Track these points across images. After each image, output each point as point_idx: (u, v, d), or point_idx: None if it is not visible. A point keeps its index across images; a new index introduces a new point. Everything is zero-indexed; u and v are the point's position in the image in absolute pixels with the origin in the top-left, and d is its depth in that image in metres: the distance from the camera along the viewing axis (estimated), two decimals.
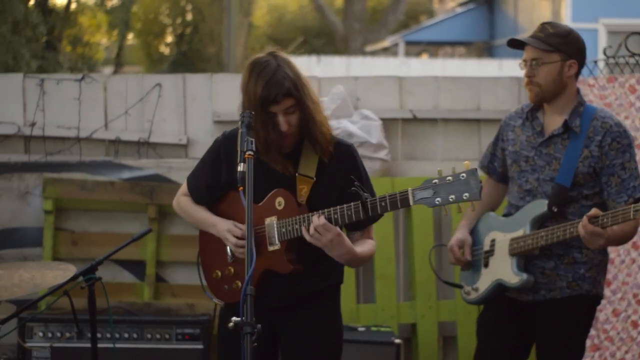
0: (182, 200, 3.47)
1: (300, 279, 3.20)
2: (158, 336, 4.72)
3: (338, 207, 3.03)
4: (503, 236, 3.81)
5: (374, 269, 5.15)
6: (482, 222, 3.98)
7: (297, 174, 3.17)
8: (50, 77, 5.36)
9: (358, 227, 3.22)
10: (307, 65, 21.22)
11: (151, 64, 26.68)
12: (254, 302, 3.02)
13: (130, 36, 30.32)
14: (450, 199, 2.83)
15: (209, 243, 3.38)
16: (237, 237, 3.18)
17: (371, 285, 5.23)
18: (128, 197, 5.09)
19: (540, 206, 3.69)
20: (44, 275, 3.43)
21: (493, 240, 3.87)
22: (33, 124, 5.26)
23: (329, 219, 3.00)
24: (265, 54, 3.19)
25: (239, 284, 3.23)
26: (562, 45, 3.64)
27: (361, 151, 4.94)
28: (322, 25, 28.03)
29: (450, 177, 2.85)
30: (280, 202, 3.16)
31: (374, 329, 4.78)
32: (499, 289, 3.80)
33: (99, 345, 4.11)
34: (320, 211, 3.04)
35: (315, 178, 3.16)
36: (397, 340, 4.56)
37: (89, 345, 3.91)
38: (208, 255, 3.41)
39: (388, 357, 4.53)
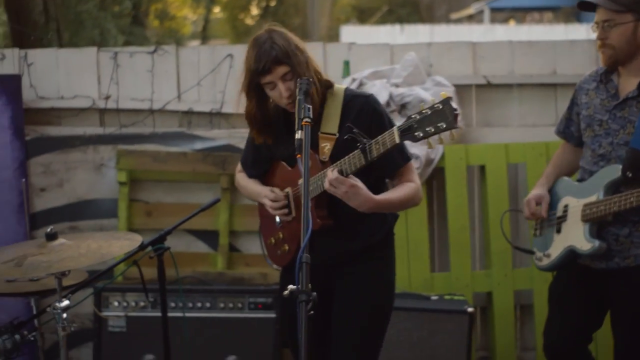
0: (238, 177, 3.67)
1: (342, 237, 3.28)
2: (231, 305, 4.74)
3: (344, 158, 3.07)
4: (576, 202, 3.71)
5: (449, 237, 5.07)
6: (557, 187, 3.92)
7: (319, 133, 3.22)
8: (124, 50, 5.40)
9: (389, 173, 3.30)
10: (391, 34, 21.10)
11: (237, 37, 26.84)
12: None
13: (217, 10, 30.60)
14: (429, 131, 2.80)
15: (264, 213, 3.52)
16: (271, 200, 3.34)
17: (445, 253, 5.16)
18: (201, 168, 5.11)
19: (614, 171, 3.57)
20: (111, 245, 3.47)
21: (566, 206, 3.78)
22: (107, 97, 5.31)
23: (340, 172, 3.04)
24: (263, 30, 3.28)
25: (286, 247, 3.39)
26: (634, 5, 3.50)
27: None
28: None
29: (427, 109, 2.82)
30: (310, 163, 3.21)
31: (447, 297, 4.71)
32: (571, 256, 3.70)
33: (172, 314, 4.21)
34: (333, 165, 3.11)
35: (337, 134, 3.21)
36: (470, 309, 4.47)
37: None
38: (264, 224, 3.56)
39: (461, 326, 4.46)
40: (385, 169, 3.27)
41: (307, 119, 2.94)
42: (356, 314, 3.32)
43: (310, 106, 2.99)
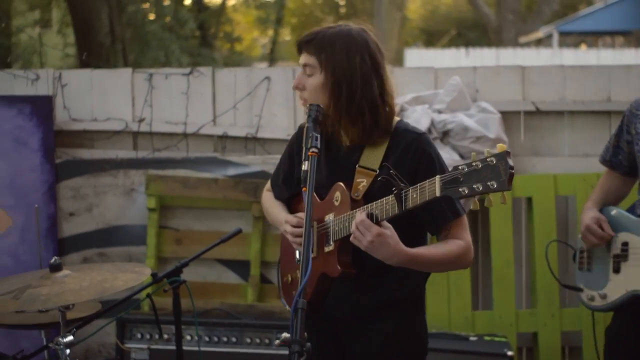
0: (264, 197, 3.30)
1: (363, 287, 2.87)
2: (258, 340, 4.50)
3: (377, 201, 2.65)
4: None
5: (492, 272, 4.77)
6: (610, 218, 3.55)
7: (357, 166, 2.84)
8: (159, 71, 5.25)
9: (432, 227, 2.84)
10: (455, 58, 20.75)
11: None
12: (317, 309, 2.87)
13: (286, 32, 30.64)
14: (476, 189, 2.34)
15: (285, 246, 3.15)
16: (293, 226, 2.92)
17: (489, 290, 4.85)
18: (232, 195, 4.90)
19: None
20: (116, 278, 3.26)
21: (626, 243, 3.44)
22: (141, 120, 5.16)
23: (370, 215, 2.62)
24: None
25: None
26: None
27: (477, 146, 4.63)
28: (475, 17, 27.33)
29: (478, 162, 2.34)
30: (337, 198, 2.84)
31: (487, 338, 4.41)
32: (635, 301, 3.36)
33: (201, 348, 4.01)
34: (364, 207, 2.70)
35: (377, 170, 2.78)
36: (510, 353, 4.17)
37: (186, 347, 3.82)
38: (284, 259, 3.18)
39: None
40: (428, 222, 2.82)
41: (314, 149, 2.66)
42: None
43: (319, 135, 2.71)
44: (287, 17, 26.10)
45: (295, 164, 3.06)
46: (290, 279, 3.07)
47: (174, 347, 4.42)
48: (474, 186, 2.34)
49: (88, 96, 5.21)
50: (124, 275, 3.32)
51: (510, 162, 2.30)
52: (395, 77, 4.85)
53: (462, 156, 4.71)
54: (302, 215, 2.95)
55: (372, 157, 2.82)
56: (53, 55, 19.35)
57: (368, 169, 2.80)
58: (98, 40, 15.23)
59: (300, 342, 2.33)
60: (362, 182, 2.80)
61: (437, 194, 2.44)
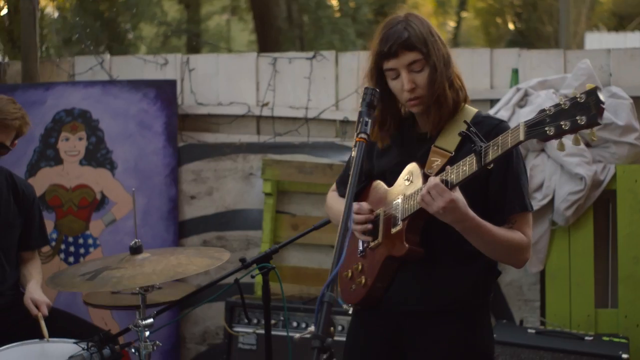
0: (328, 197, 3.20)
1: (434, 281, 2.72)
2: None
3: (453, 166, 2.53)
4: None
5: (618, 268, 4.43)
6: None
7: (433, 146, 2.72)
8: (283, 55, 5.23)
9: (499, 216, 2.67)
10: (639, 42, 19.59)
11: (489, 44, 26.14)
12: (378, 302, 2.78)
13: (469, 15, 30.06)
14: (563, 127, 2.21)
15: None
16: (355, 213, 2.81)
17: (614, 287, 4.51)
18: None
19: None
20: (191, 262, 3.26)
21: None
22: (265, 104, 5.16)
23: (443, 182, 2.50)
24: (401, 13, 2.77)
25: (363, 280, 2.83)
26: None
27: (606, 134, 4.31)
28: None
29: (566, 102, 2.22)
30: (409, 177, 2.73)
31: (605, 338, 4.11)
32: None
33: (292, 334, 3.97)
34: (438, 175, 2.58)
35: (453, 152, 2.67)
36: (625, 356, 3.85)
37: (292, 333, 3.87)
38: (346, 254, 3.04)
39: None
40: (494, 211, 2.69)
41: (362, 135, 2.53)
42: None
43: (369, 120, 2.57)
44: (472, 1, 25.55)
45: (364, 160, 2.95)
46: (350, 273, 2.93)
47: (281, 333, 4.44)
48: (561, 123, 2.22)
49: (214, 80, 5.26)
50: (199, 260, 3.30)
51: (602, 97, 2.18)
52: (522, 61, 4.64)
53: (587, 144, 4.41)
54: (364, 204, 2.85)
55: (448, 140, 2.71)
56: (240, 41, 19.85)
57: (444, 149, 2.69)
58: (276, 25, 15.49)
59: (322, 338, 2.19)
60: (436, 162, 2.70)
61: (521, 138, 2.32)
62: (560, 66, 4.72)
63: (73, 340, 3.54)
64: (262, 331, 4.49)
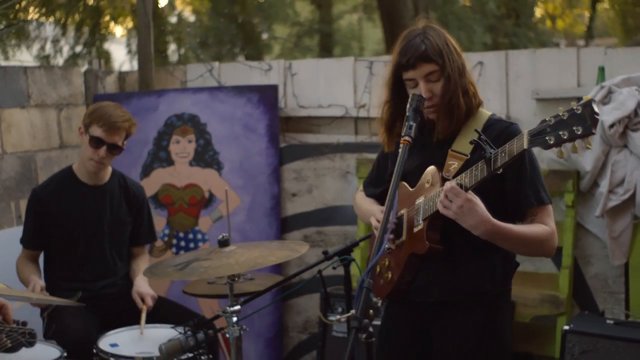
0: (357, 196, 3.49)
1: (450, 273, 2.98)
2: None
3: (466, 171, 2.77)
4: None
5: None
6: None
7: (449, 150, 2.96)
8: (379, 59, 5.47)
9: (517, 211, 2.91)
10: None
11: (626, 35, 25.47)
12: (404, 295, 3.04)
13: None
14: (562, 136, 2.46)
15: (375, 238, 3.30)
16: (378, 220, 3.06)
17: None
18: None
19: None
20: (271, 254, 3.55)
21: None
22: (362, 106, 5.41)
23: (459, 185, 2.73)
24: (419, 25, 3.03)
25: (389, 275, 3.11)
26: None
27: None
28: None
29: (565, 113, 2.47)
30: (428, 180, 2.99)
31: None
32: None
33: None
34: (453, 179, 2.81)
35: (469, 155, 2.91)
36: None
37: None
38: (373, 250, 3.31)
39: None
40: (512, 208, 2.91)
41: (407, 138, 2.79)
42: None
43: (414, 124, 2.82)
44: None
45: (388, 160, 3.25)
46: (378, 268, 3.20)
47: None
48: (560, 133, 2.47)
49: (314, 84, 5.55)
50: (279, 253, 3.60)
51: (596, 108, 2.43)
52: (609, 58, 4.74)
53: None
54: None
55: (464, 143, 2.92)
56: (371, 40, 20.10)
57: (460, 152, 2.92)
58: (403, 24, 15.64)
59: (359, 319, 2.46)
60: (453, 165, 2.93)
61: (525, 146, 2.57)
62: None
63: (170, 326, 3.92)
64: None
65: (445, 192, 2.74)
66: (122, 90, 5.92)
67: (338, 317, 2.62)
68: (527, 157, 2.89)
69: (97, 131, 4.21)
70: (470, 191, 2.74)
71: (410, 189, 3.08)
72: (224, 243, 3.70)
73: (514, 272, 3.05)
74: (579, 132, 2.43)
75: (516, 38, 20.56)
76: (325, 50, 16.69)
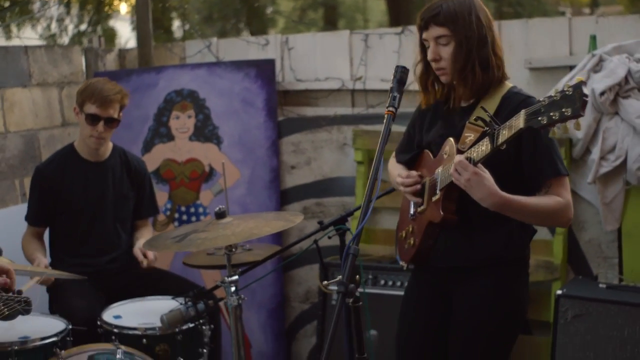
0: (389, 162, 3.57)
1: (468, 241, 3.08)
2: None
3: (474, 145, 2.88)
4: None
5: None
6: None
7: (467, 122, 3.04)
8: (374, 32, 5.52)
9: (534, 184, 3.00)
10: None
11: (631, 3, 25.33)
12: (425, 260, 3.18)
13: None
14: (553, 117, 2.54)
15: (403, 207, 3.43)
16: (403, 178, 3.21)
17: None
18: None
19: None
20: (267, 225, 3.65)
21: None
22: (357, 79, 5.49)
23: (468, 159, 2.85)
24: None
25: (412, 240, 3.22)
26: None
27: None
28: None
29: (557, 94, 2.56)
30: (446, 151, 3.08)
31: None
32: None
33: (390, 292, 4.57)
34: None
35: (485, 128, 2.93)
36: None
37: (382, 291, 4.56)
38: (401, 219, 3.44)
39: None
40: (529, 180, 3.01)
41: (390, 108, 2.87)
42: (471, 338, 3.12)
43: (398, 95, 2.91)
44: None
45: (415, 127, 3.39)
46: (404, 234, 3.32)
47: (372, 291, 4.80)
48: (551, 114, 2.55)
49: (311, 58, 5.62)
50: (275, 223, 3.69)
51: (585, 90, 2.50)
52: (600, 27, 4.80)
53: None
54: (413, 172, 3.23)
55: (482, 116, 2.97)
56: (376, 12, 20.05)
57: (476, 124, 2.99)
58: None
59: (346, 284, 2.56)
60: (469, 137, 3.01)
61: (521, 125, 2.66)
62: (639, 31, 4.82)
63: (171, 297, 4.02)
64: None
65: (454, 165, 2.86)
66: (122, 68, 6.00)
67: (325, 282, 2.71)
68: (541, 134, 2.94)
69: (91, 108, 4.30)
70: (480, 164, 2.85)
71: (433, 158, 3.19)
72: (220, 215, 3.79)
73: (530, 239, 3.16)
74: (568, 114, 2.51)
75: (521, 7, 20.49)
76: (330, 23, 16.67)
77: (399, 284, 4.77)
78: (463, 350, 3.13)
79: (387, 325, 4.71)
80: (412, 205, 3.26)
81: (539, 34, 5.01)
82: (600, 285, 4.36)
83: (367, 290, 4.83)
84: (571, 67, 4.93)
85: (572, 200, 3.84)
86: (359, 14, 19.36)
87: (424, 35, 3.09)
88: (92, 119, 4.31)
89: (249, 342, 5.39)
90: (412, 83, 5.21)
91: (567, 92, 2.53)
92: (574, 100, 2.50)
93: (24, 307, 2.74)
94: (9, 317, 2.72)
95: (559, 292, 4.25)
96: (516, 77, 4.94)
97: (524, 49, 5.03)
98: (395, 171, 3.42)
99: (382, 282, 4.81)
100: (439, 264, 3.17)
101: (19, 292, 2.77)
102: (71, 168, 4.47)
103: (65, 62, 5.55)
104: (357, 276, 2.64)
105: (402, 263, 3.33)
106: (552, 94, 2.58)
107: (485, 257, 3.08)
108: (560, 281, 4.65)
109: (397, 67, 2.98)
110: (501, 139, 2.75)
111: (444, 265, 3.15)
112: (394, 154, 3.61)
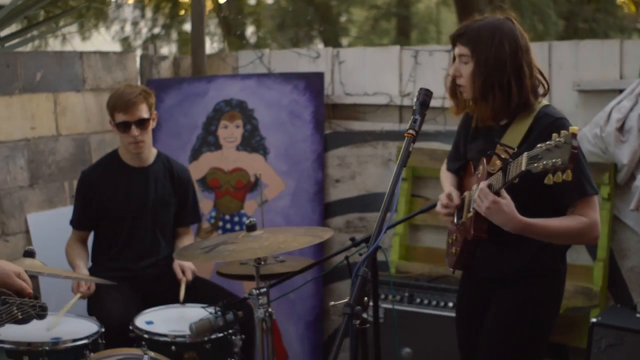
0: (442, 168, 3.70)
1: (506, 254, 3.19)
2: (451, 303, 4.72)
3: (496, 173, 2.95)
4: None
5: None
6: None
7: (498, 143, 3.05)
8: (424, 48, 5.51)
9: (560, 206, 3.07)
10: None
11: None
12: (467, 267, 3.34)
13: None
14: (547, 165, 2.63)
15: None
16: (441, 203, 3.33)
17: None
18: None
19: None
20: (295, 240, 3.67)
21: None
22: (406, 95, 5.48)
23: (489, 186, 2.95)
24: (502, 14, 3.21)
25: (454, 249, 3.34)
26: None
27: None
28: None
29: (552, 142, 2.64)
30: (480, 171, 3.16)
31: None
32: None
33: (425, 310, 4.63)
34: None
35: (516, 149, 3.02)
36: None
37: (418, 309, 4.64)
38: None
39: None
40: (557, 201, 3.06)
41: (411, 131, 2.89)
42: (496, 345, 3.23)
43: (419, 118, 2.93)
44: None
45: (460, 142, 3.48)
46: (450, 240, 3.44)
47: (406, 308, 4.79)
48: (545, 162, 2.64)
49: (361, 72, 5.64)
50: (302, 239, 3.71)
51: (575, 143, 2.56)
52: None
53: None
54: (455, 194, 3.33)
55: (513, 136, 3.09)
56: (448, 25, 19.96)
57: (507, 146, 3.01)
58: (477, 8, 15.52)
59: (352, 306, 2.57)
60: (498, 160, 3.03)
61: (523, 168, 2.75)
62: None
63: (201, 305, 4.08)
64: (387, 305, 4.86)
65: (478, 192, 2.97)
66: (176, 76, 6.10)
67: (331, 303, 2.73)
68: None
69: (119, 117, 4.40)
70: (502, 190, 2.93)
71: (473, 172, 3.29)
72: (251, 227, 3.83)
73: (564, 253, 3.24)
74: (558, 164, 2.59)
75: (595, 24, 20.18)
76: (402, 34, 16.65)
77: (434, 302, 4.75)
78: (489, 356, 3.24)
79: (422, 343, 4.71)
80: (457, 213, 3.36)
81: (589, 56, 4.95)
82: (638, 315, 4.28)
83: (403, 308, 4.82)
84: (620, 91, 4.85)
85: (615, 227, 3.87)
86: (432, 25, 19.27)
87: (454, 52, 3.22)
88: (124, 127, 4.41)
89: (285, 354, 5.42)
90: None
91: (559, 142, 2.61)
92: (565, 152, 2.57)
93: (39, 312, 2.81)
94: (23, 321, 2.79)
95: (594, 320, 4.19)
96: (564, 99, 4.91)
97: (573, 71, 4.97)
98: (445, 182, 3.55)
99: (418, 300, 4.79)
100: (477, 273, 3.31)
101: (35, 297, 2.84)
102: (114, 174, 4.56)
103: (119, 69, 5.66)
104: (365, 298, 2.64)
105: (450, 268, 3.46)
106: (551, 141, 2.65)
107: (516, 269, 3.19)
108: (599, 308, 4.58)
109: (421, 89, 3.00)
110: (510, 176, 2.85)
111: (481, 275, 3.29)
112: (445, 160, 3.69)
